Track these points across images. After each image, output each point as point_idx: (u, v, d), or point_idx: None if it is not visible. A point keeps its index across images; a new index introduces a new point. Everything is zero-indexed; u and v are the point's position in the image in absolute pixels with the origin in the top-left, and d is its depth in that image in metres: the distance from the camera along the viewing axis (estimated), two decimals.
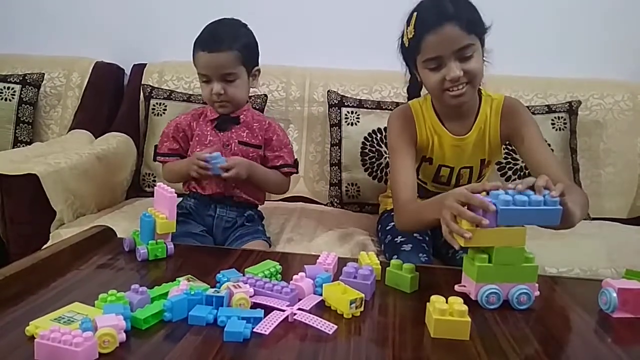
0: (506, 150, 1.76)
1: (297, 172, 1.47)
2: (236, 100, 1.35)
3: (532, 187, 0.85)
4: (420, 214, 1.09)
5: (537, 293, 0.86)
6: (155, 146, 1.46)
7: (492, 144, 1.28)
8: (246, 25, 1.37)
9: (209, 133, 1.38)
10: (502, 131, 1.26)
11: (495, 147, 1.29)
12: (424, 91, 1.30)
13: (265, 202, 1.50)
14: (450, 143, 1.27)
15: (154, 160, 1.46)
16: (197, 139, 1.38)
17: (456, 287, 0.88)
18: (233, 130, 1.38)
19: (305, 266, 0.91)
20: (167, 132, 1.42)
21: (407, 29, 1.17)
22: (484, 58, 1.19)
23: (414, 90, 1.34)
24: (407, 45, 1.18)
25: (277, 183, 1.41)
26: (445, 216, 0.88)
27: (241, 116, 1.39)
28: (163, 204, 1.01)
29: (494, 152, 1.31)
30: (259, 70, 1.40)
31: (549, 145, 1.77)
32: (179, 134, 1.41)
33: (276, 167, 1.41)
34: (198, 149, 1.35)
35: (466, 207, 0.86)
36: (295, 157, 1.45)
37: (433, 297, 0.77)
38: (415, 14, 1.15)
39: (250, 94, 1.50)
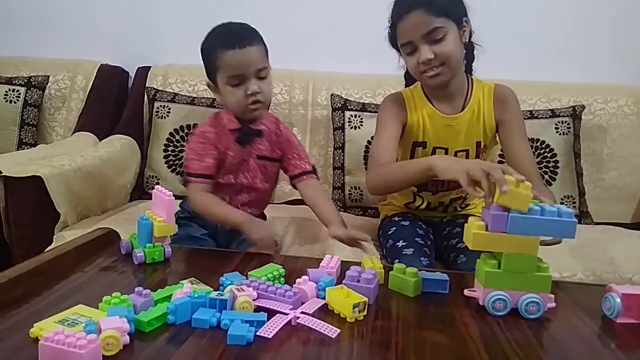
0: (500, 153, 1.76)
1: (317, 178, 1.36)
2: (268, 98, 1.25)
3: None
4: (406, 164, 1.20)
5: (553, 305, 0.85)
6: (182, 167, 1.28)
7: (487, 127, 1.32)
8: None
9: (230, 147, 1.26)
10: (496, 115, 1.32)
11: (490, 130, 1.33)
12: None
13: (268, 205, 1.49)
14: (442, 122, 1.32)
15: (185, 182, 1.26)
16: (226, 152, 1.26)
17: (466, 292, 0.88)
18: (254, 143, 1.27)
19: (308, 269, 0.91)
20: (203, 147, 1.24)
21: (389, 18, 1.26)
22: (474, 42, 1.28)
23: (410, 75, 1.37)
24: (389, 33, 1.27)
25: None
26: (476, 172, 0.90)
27: (261, 126, 1.28)
28: (161, 206, 1.01)
29: (490, 136, 1.34)
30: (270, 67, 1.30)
31: (552, 149, 1.78)
32: (215, 150, 1.25)
33: (295, 177, 1.33)
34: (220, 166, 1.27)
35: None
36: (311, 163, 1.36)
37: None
38: (392, 4, 1.24)
39: None
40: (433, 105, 1.32)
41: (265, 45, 1.25)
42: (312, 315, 0.77)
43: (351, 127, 1.82)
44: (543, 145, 1.78)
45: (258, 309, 0.78)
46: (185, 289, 0.80)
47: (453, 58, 1.22)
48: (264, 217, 1.40)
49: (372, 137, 1.78)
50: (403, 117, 1.32)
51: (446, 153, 1.33)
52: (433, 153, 1.33)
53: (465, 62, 1.32)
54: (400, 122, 1.32)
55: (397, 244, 1.29)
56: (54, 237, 1.42)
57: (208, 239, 1.32)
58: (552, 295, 0.85)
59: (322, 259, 0.97)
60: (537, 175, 1.27)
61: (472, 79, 1.34)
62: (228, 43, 1.20)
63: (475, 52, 1.32)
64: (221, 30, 1.25)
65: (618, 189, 1.84)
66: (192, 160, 1.24)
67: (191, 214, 1.34)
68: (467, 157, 1.34)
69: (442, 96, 1.32)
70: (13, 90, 1.96)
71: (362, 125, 1.81)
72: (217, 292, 0.80)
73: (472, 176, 0.92)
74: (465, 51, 1.29)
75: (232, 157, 1.26)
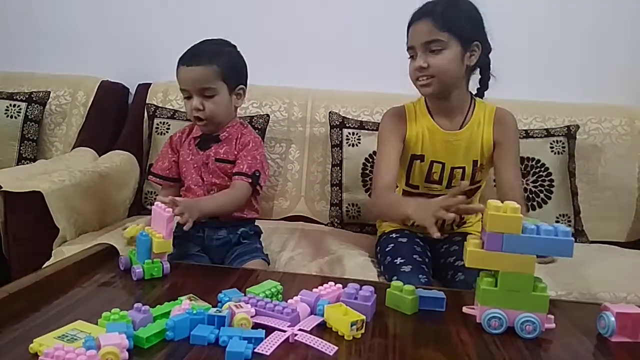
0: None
1: (252, 184, 1.31)
2: (215, 117, 1.32)
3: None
4: (397, 206, 1.22)
5: (552, 325, 0.85)
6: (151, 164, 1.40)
7: (484, 147, 1.35)
8: (234, 46, 1.37)
9: (190, 151, 1.37)
10: (494, 136, 1.35)
11: (487, 150, 1.35)
12: None
13: (266, 221, 1.50)
14: (442, 138, 1.35)
15: (147, 177, 1.39)
16: (181, 158, 1.38)
17: (464, 309, 0.89)
18: (212, 148, 1.35)
19: (300, 292, 0.89)
20: (164, 150, 1.42)
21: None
22: (491, 73, 1.33)
23: None
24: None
25: (233, 200, 1.29)
26: (440, 214, 0.99)
27: (223, 134, 1.35)
28: (160, 223, 1.02)
29: (486, 156, 1.36)
30: (243, 90, 1.37)
31: (547, 168, 1.80)
32: (172, 152, 1.40)
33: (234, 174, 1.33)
34: (184, 169, 1.37)
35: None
36: (256, 170, 1.31)
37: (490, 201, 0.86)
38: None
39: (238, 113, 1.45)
40: (434, 120, 1.35)
41: (224, 67, 1.30)
42: (310, 332, 0.78)
43: (349, 145, 1.83)
44: (538, 164, 1.80)
45: (256, 326, 0.79)
46: (183, 306, 0.81)
47: (445, 74, 1.25)
48: None
49: (369, 155, 1.81)
50: (402, 131, 1.36)
51: (443, 168, 1.35)
52: (430, 167, 1.36)
53: (478, 87, 1.37)
54: (400, 137, 1.36)
55: (395, 260, 1.30)
56: (53, 252, 1.41)
57: (203, 254, 1.33)
58: (552, 316, 0.85)
59: (320, 276, 0.97)
60: (522, 202, 1.26)
61: (475, 99, 1.37)
62: (182, 58, 1.32)
63: (489, 81, 1.36)
64: (193, 45, 1.35)
65: (613, 208, 1.85)
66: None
67: (183, 231, 1.33)
68: (463, 174, 1.36)
69: (443, 111, 1.35)
70: (14, 106, 1.97)
71: (359, 142, 1.83)
72: (216, 308, 0.81)
73: (440, 217, 1.00)
74: (481, 76, 1.34)
75: (193, 161, 1.36)
